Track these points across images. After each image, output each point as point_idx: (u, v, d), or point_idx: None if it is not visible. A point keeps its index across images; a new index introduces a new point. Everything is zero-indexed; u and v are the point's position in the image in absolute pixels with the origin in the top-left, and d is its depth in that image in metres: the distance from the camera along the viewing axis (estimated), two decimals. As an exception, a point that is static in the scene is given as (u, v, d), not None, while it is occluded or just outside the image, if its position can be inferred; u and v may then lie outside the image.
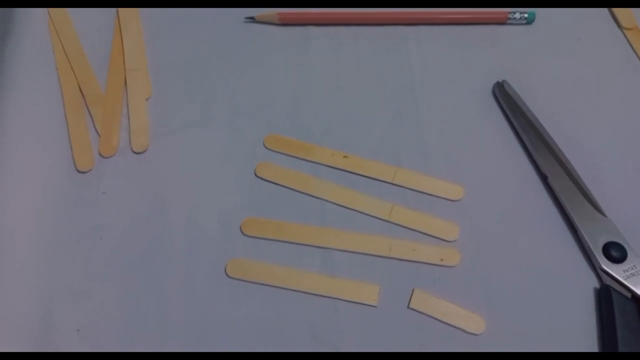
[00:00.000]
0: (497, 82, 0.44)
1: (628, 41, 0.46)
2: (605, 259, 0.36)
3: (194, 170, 0.40)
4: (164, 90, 0.43)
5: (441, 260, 0.37)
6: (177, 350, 0.34)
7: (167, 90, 0.43)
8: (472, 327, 0.35)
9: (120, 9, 0.46)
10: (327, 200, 0.39)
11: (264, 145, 0.41)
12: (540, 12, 0.47)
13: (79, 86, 0.42)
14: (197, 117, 0.42)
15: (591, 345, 0.34)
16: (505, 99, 0.43)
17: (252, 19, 0.46)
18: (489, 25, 0.47)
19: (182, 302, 0.36)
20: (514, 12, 0.46)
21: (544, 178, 0.40)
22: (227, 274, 0.36)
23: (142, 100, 0.42)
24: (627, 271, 0.35)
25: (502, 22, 0.47)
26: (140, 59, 0.44)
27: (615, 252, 0.36)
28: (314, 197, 0.39)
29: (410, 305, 0.35)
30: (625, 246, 0.36)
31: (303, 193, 0.39)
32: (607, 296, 0.35)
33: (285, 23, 0.46)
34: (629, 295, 0.35)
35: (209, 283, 0.36)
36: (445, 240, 0.38)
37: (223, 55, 0.45)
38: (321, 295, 0.36)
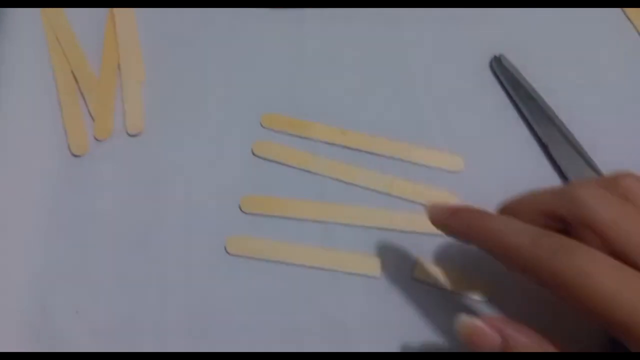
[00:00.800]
0: (495, 55, 0.43)
1: (624, 12, 0.46)
2: (609, 224, 0.35)
3: (190, 150, 0.40)
4: (157, 73, 0.43)
5: (443, 230, 0.36)
6: (178, 328, 0.34)
7: (160, 73, 0.43)
8: (477, 293, 0.34)
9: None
10: (326, 176, 0.39)
11: (261, 125, 0.41)
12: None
13: (72, 70, 0.42)
14: (192, 98, 0.42)
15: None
16: (503, 72, 0.43)
17: None
18: None
19: (182, 281, 0.35)
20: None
21: (544, 147, 0.39)
22: (227, 252, 0.36)
23: (136, 83, 0.42)
24: (632, 235, 0.35)
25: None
26: (133, 42, 0.43)
27: (619, 217, 0.35)
28: (313, 173, 0.39)
29: (414, 275, 0.35)
30: (630, 210, 0.36)
31: (302, 170, 0.39)
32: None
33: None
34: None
35: (208, 261, 0.36)
36: (447, 212, 0.37)
37: (217, 35, 0.44)
38: (323, 269, 0.35)
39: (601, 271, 0.23)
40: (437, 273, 0.35)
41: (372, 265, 0.35)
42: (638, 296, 0.22)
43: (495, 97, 0.42)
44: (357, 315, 0.34)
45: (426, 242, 0.36)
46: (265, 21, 0.45)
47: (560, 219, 0.27)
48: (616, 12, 0.46)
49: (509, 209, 0.30)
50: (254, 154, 0.39)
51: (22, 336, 0.33)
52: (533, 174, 0.39)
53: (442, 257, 0.36)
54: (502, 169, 0.39)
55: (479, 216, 0.29)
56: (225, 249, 0.36)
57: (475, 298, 0.34)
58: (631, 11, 0.45)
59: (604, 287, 0.22)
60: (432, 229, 0.36)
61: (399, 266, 0.35)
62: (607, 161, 0.38)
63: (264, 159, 0.39)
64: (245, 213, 0.37)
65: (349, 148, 0.40)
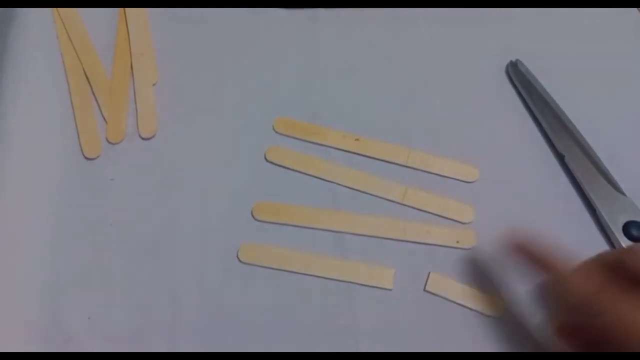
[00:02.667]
0: (511, 61, 0.43)
1: (643, 18, 0.45)
2: (625, 238, 0.35)
3: (203, 155, 0.39)
4: (170, 75, 0.42)
5: (457, 242, 0.36)
6: (190, 336, 0.34)
7: (173, 75, 0.42)
8: (490, 310, 0.34)
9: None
10: (339, 184, 0.38)
11: (274, 129, 0.40)
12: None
13: (85, 72, 0.42)
14: (205, 101, 0.41)
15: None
16: (519, 78, 0.42)
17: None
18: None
19: (194, 288, 0.35)
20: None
21: (560, 158, 0.39)
22: (239, 259, 0.36)
23: (148, 85, 0.41)
24: (649, 250, 0.34)
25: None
26: (145, 43, 0.43)
27: (636, 231, 0.35)
28: (325, 180, 0.38)
29: (426, 288, 0.35)
30: (646, 225, 0.35)
31: (314, 177, 0.39)
32: (628, 276, 0.34)
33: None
34: (650, 274, 0.34)
35: (221, 268, 0.36)
36: (461, 222, 0.37)
37: (230, 38, 0.44)
38: (335, 280, 0.35)
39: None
40: (450, 286, 0.34)
41: (385, 277, 0.35)
42: None
43: (511, 103, 0.42)
44: (368, 327, 0.34)
45: (439, 254, 0.36)
46: (279, 22, 0.45)
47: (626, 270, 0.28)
48: (635, 18, 0.45)
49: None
50: (266, 159, 0.39)
51: (35, 341, 0.34)
52: (549, 184, 0.38)
53: (455, 271, 0.35)
54: (518, 179, 0.39)
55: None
56: (238, 256, 0.36)
57: (486, 314, 0.34)
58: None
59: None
60: (445, 241, 0.36)
61: (412, 278, 0.35)
62: (626, 176, 0.37)
63: (277, 164, 0.39)
64: (258, 220, 0.37)
65: (362, 155, 0.39)
